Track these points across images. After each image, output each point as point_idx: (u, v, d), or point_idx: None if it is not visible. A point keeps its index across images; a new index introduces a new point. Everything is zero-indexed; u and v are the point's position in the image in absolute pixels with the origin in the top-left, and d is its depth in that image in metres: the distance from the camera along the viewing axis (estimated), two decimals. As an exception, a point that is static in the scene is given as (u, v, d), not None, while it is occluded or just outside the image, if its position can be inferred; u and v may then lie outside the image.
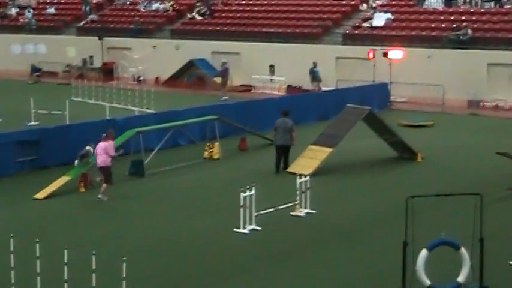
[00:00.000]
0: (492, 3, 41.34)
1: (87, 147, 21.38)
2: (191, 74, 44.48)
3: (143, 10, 51.22)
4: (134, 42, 47.45)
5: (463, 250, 13.16)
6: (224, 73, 40.60)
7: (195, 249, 16.21)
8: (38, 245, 12.81)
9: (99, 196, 19.89)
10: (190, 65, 44.45)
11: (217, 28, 46.49)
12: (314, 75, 38.83)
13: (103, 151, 20.13)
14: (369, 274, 14.59)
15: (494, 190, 20.16)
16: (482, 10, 40.86)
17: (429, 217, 15.32)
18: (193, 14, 48.79)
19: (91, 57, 49.11)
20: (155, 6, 51.05)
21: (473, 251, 13.25)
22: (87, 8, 52.48)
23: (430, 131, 30.25)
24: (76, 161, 21.46)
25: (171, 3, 50.46)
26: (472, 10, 41.05)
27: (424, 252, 12.93)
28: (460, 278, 13.19)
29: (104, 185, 20.13)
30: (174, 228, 17.69)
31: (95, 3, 53.41)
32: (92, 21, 51.28)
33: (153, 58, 46.09)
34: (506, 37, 37.43)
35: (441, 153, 25.66)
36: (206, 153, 25.20)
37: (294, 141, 23.46)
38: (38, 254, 12.80)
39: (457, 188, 18.23)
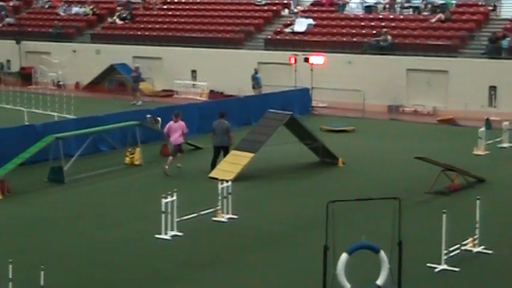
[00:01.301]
0: (411, 11, 42.14)
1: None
2: (112, 79, 44.01)
3: (62, 14, 50.48)
4: (53, 47, 46.70)
5: (382, 253, 13.32)
6: (137, 78, 40.21)
7: (115, 256, 16.01)
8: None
9: (169, 167, 23.37)
10: (111, 70, 43.99)
11: (139, 33, 46.14)
12: (256, 81, 38.86)
13: (175, 131, 23.58)
14: (291, 279, 14.64)
15: (412, 194, 20.51)
16: (402, 17, 41.59)
17: (349, 221, 15.47)
18: (114, 18, 48.33)
19: (8, 61, 48.17)
20: (75, 10, 50.35)
21: (392, 254, 13.43)
22: (3, 11, 51.41)
23: (351, 136, 30.60)
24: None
25: (91, 7, 49.86)
26: (391, 17, 41.74)
27: (344, 256, 13.04)
28: (379, 281, 13.35)
29: (170, 157, 23.62)
30: (94, 235, 17.44)
31: (12, 6, 52.36)
32: (9, 25, 50.28)
33: (73, 63, 45.47)
34: (425, 43, 38.15)
35: (362, 158, 25.96)
36: (127, 159, 24.95)
37: (232, 141, 23.94)
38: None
39: (377, 193, 18.48)
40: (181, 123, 24.14)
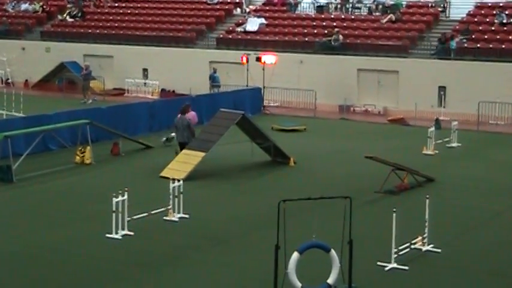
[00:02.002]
0: (362, 11, 42.47)
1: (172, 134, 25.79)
2: (62, 77, 43.55)
3: (11, 10, 49.81)
4: (1, 44, 45.97)
5: (333, 252, 13.39)
6: (87, 77, 39.86)
7: (65, 256, 15.83)
8: None
9: None
10: (61, 68, 43.56)
11: (89, 31, 45.75)
12: (214, 81, 38.75)
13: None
14: (242, 278, 14.64)
15: (363, 193, 20.67)
16: (353, 17, 41.91)
17: (301, 220, 15.52)
18: (64, 15, 47.84)
19: (-47, 59, 47.45)
20: (24, 6, 49.74)
21: (342, 253, 13.51)
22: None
23: (302, 136, 30.71)
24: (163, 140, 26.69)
25: (41, 4, 49.28)
26: (342, 17, 42.03)
27: (295, 255, 13.08)
28: (330, 280, 13.41)
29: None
30: (44, 235, 17.23)
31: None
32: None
33: (22, 60, 44.87)
34: (376, 44, 38.48)
35: (313, 158, 26.08)
36: (78, 158, 24.71)
37: (194, 136, 24.09)
38: None
39: (328, 192, 18.54)
40: (192, 113, 25.59)
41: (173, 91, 41.05)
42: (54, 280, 14.47)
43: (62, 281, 14.45)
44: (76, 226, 17.93)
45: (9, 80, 44.35)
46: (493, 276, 14.94)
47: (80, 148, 24.88)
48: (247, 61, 37.31)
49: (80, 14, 47.39)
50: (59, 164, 24.29)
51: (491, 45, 36.26)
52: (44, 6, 49.16)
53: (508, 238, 17.51)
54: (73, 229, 17.70)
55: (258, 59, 36.95)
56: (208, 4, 46.12)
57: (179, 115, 24.42)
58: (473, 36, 37.27)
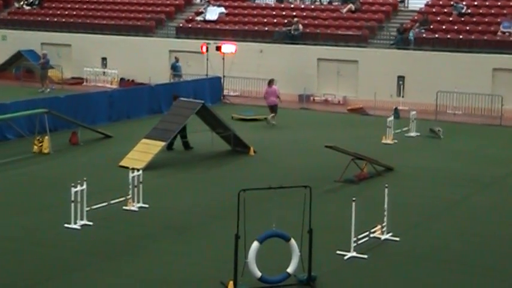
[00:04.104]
0: (322, 0, 42.56)
1: None
2: (19, 65, 43.03)
3: (-34, -2, 49.08)
4: (-44, 32, 45.39)
5: (293, 241, 13.44)
6: (45, 65, 39.39)
7: (23, 246, 15.66)
8: None
9: (273, 122, 30.34)
10: (19, 56, 43.05)
11: (47, 19, 45.25)
12: (175, 70, 38.52)
13: (272, 94, 30.45)
14: (202, 267, 14.62)
15: (323, 182, 20.75)
16: (313, 6, 41.99)
17: (261, 210, 15.53)
18: (21, 3, 47.22)
19: None
20: (-20, -6, 49.03)
21: (302, 242, 13.56)
22: None
23: (262, 125, 30.71)
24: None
25: (-2, -9, 48.63)
26: (302, 6, 42.08)
27: (255, 244, 13.10)
28: (290, 269, 13.46)
29: (273, 114, 30.40)
30: (1, 224, 17.03)
31: None
32: None
33: (-22, 49, 44.29)
34: (335, 33, 38.60)
35: (273, 147, 26.11)
36: (35, 148, 24.45)
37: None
38: None
39: (288, 181, 18.60)
40: (274, 87, 30.52)
41: (132, 80, 40.81)
42: (11, 269, 14.31)
43: (19, 270, 14.29)
44: (34, 216, 17.76)
45: (-35, 69, 43.79)
46: (450, 264, 15.10)
47: (38, 137, 24.63)
48: (207, 50, 37.18)
49: (37, 2, 46.85)
50: (16, 153, 24.02)
51: (449, 36, 36.58)
52: (1, -6, 48.52)
53: (465, 227, 17.72)
54: (31, 219, 17.53)
55: (218, 48, 36.83)
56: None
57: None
58: (431, 27, 37.56)
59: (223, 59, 36.59)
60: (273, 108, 30.67)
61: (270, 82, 30.74)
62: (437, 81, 34.41)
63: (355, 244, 15.34)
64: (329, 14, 40.73)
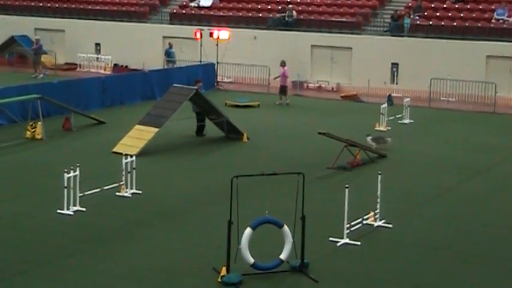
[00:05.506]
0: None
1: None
2: (12, 51, 42.92)
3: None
4: (-51, 17, 45.21)
5: (285, 228, 13.45)
6: (38, 51, 39.24)
7: (17, 232, 15.65)
8: None
9: (287, 102, 32.13)
10: (12, 41, 42.91)
11: (41, 4, 45.09)
12: (169, 56, 38.43)
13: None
14: (194, 253, 14.63)
15: (316, 169, 20.77)
16: (307, -7, 41.90)
17: (254, 196, 15.54)
18: (15, -12, 47.00)
19: None
20: (-27, -21, 48.74)
21: (295, 228, 13.57)
22: None
23: (256, 112, 30.71)
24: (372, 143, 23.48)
25: (-9, -24, 48.35)
26: (296, -7, 41.99)
27: (248, 230, 13.11)
28: (283, 256, 13.48)
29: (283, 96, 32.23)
30: (-6, 211, 17.03)
31: None
32: None
33: (-29, 34, 44.11)
34: (329, 20, 38.56)
35: (266, 134, 26.11)
36: (28, 133, 24.40)
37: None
38: None
39: (281, 168, 18.62)
40: (284, 68, 32.51)
41: (126, 66, 40.74)
42: (3, 254, 14.30)
43: (11, 255, 14.28)
44: (27, 201, 17.74)
45: (-43, 54, 43.63)
46: (443, 251, 15.14)
47: (30, 123, 24.57)
48: (201, 36, 37.11)
49: (30, -13, 46.62)
50: (9, 139, 23.97)
51: (443, 23, 36.57)
52: (-6, -21, 48.26)
53: (458, 213, 17.76)
54: (24, 204, 17.52)
55: (211, 35, 36.74)
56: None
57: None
58: (425, 14, 37.53)
59: (216, 45, 36.52)
60: (285, 90, 32.59)
61: (283, 63, 32.88)
62: (431, 68, 34.42)
63: (347, 231, 15.36)
64: (323, 0, 40.64)
